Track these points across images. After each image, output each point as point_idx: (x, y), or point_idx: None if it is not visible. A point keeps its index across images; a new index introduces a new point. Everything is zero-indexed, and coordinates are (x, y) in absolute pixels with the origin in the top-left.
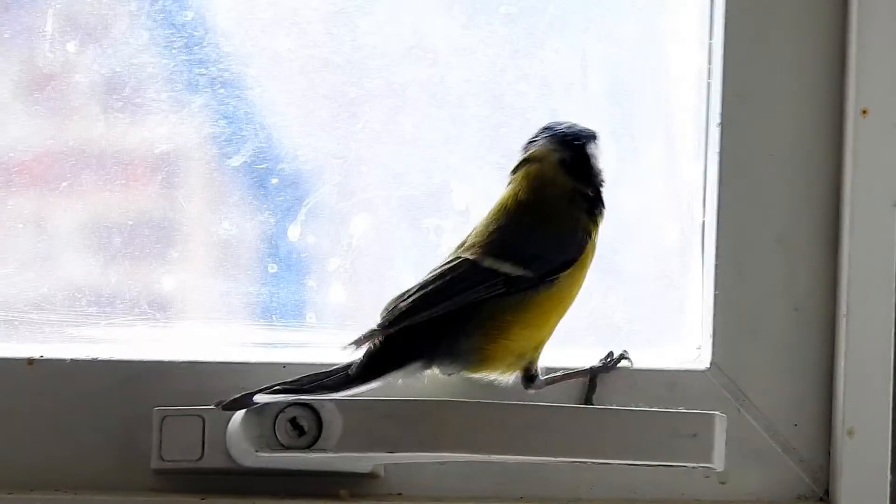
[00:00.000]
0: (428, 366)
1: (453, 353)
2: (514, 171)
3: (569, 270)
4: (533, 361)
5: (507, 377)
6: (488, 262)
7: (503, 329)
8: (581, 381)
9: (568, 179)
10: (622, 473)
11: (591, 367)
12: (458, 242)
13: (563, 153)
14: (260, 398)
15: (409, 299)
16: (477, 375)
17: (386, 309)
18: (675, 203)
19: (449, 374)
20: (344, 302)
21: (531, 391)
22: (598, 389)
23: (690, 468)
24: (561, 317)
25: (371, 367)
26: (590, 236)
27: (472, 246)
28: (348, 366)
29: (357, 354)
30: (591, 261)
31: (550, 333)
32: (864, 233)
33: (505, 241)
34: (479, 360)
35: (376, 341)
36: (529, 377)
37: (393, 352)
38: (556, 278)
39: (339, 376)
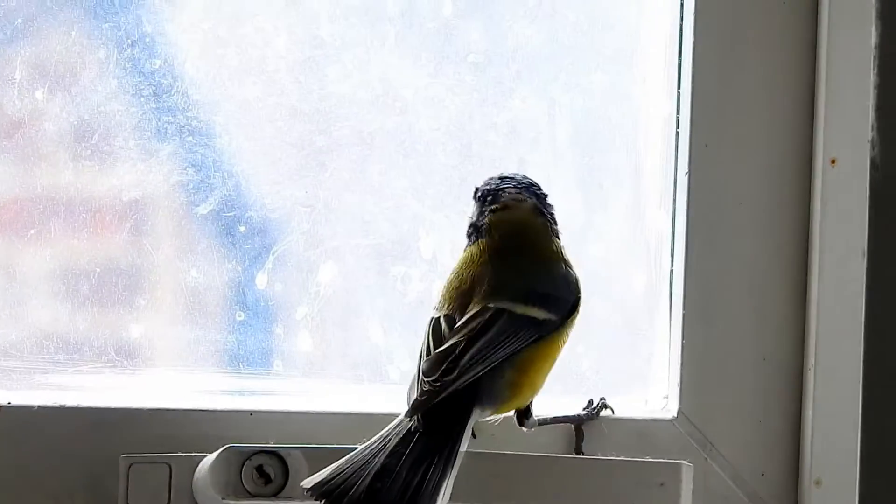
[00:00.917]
0: (479, 412)
1: (493, 394)
2: (481, 222)
3: (579, 309)
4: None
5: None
6: (521, 310)
7: (534, 367)
8: (563, 431)
9: (543, 222)
10: None
11: (577, 415)
12: (448, 290)
13: (532, 200)
14: None
15: (468, 355)
16: (501, 415)
17: (436, 366)
18: (643, 252)
19: (487, 419)
20: (311, 350)
21: (524, 429)
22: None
23: None
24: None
25: (448, 433)
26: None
27: (493, 295)
28: (406, 442)
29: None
30: None
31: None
32: (832, 282)
33: (524, 287)
34: (511, 395)
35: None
36: (525, 414)
37: (454, 410)
38: (573, 317)
39: (420, 462)
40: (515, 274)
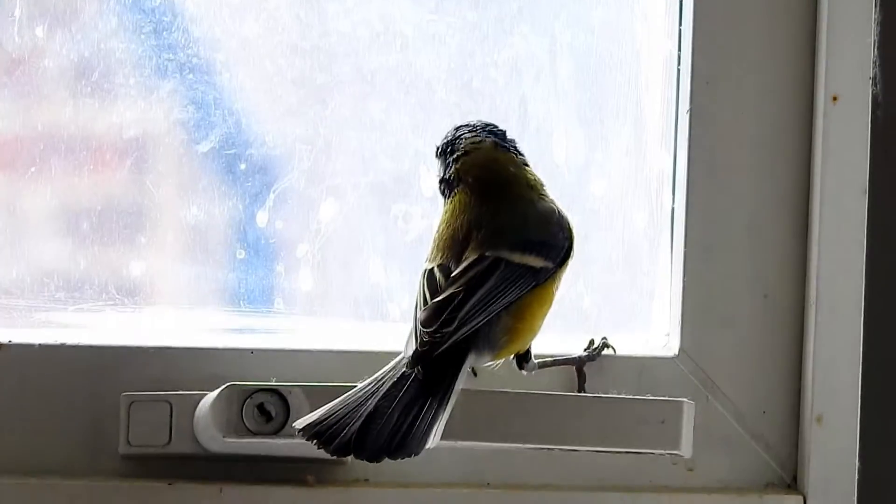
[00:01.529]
0: (475, 358)
1: (490, 340)
2: (449, 175)
3: (572, 253)
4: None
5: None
6: (518, 258)
7: (531, 313)
8: (565, 371)
9: (507, 154)
10: (590, 460)
11: (578, 357)
12: (440, 239)
13: (491, 138)
14: None
15: (468, 306)
16: (500, 360)
17: (434, 317)
18: (644, 190)
19: (485, 364)
20: (312, 288)
21: (524, 372)
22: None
23: (658, 455)
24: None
25: (442, 377)
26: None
27: (489, 243)
28: (399, 385)
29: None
30: None
31: None
32: (833, 220)
33: (521, 234)
34: (509, 341)
35: (433, 353)
36: (525, 358)
37: (449, 355)
38: (567, 262)
39: (412, 404)
40: (509, 219)
